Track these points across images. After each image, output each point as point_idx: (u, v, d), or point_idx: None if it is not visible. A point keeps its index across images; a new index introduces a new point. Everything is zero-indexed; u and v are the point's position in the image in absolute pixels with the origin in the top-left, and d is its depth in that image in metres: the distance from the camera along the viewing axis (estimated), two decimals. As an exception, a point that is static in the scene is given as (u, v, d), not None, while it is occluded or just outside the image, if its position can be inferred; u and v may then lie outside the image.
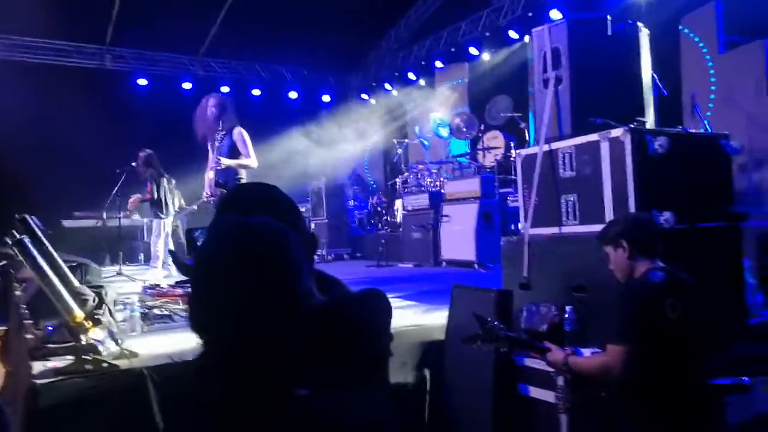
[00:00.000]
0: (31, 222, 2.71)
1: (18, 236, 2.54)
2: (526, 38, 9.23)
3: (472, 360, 3.13)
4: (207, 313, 1.04)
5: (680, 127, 3.87)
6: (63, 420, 2.27)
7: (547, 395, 2.92)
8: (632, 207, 3.14)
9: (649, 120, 3.78)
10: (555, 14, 8.51)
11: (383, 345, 1.37)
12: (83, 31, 10.62)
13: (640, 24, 3.85)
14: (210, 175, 5.16)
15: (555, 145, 3.65)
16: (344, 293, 1.50)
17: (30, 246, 2.48)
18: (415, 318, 3.67)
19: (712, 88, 7.36)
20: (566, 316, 3.20)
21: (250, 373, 1.03)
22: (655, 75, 3.94)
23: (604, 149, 3.35)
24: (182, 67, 12.18)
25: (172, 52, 11.90)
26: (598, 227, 2.88)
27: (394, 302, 4.15)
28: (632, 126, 3.28)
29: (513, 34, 9.76)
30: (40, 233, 2.69)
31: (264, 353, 1.03)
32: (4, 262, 4.89)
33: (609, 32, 3.71)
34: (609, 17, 3.73)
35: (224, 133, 5.07)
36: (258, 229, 1.09)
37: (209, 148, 5.25)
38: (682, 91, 7.42)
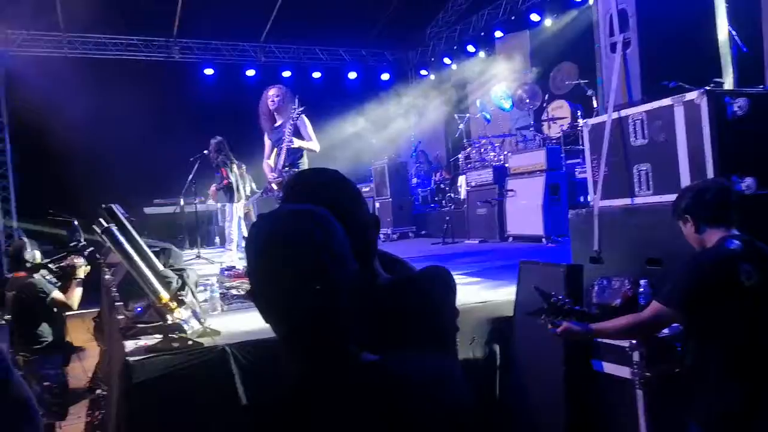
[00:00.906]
0: (116, 210, 2.90)
1: (105, 225, 2.73)
2: (591, 0, 8.81)
3: (543, 335, 3.10)
4: (258, 298, 1.09)
5: (762, 86, 3.60)
6: (155, 394, 2.45)
7: (623, 371, 2.85)
8: (710, 174, 2.99)
9: (728, 81, 3.55)
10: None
11: (449, 320, 1.39)
12: (151, 25, 11.07)
13: (715, -21, 3.61)
14: (271, 162, 5.34)
15: (624, 112, 3.51)
16: (408, 271, 1.53)
17: (117, 233, 2.66)
18: (482, 294, 3.67)
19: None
20: (641, 290, 3.11)
21: (313, 347, 1.07)
22: (732, 31, 3.68)
23: (679, 114, 3.19)
24: (245, 54, 12.49)
25: (235, 41, 12.22)
26: (673, 197, 2.75)
27: (461, 279, 4.18)
28: (708, 88, 3.10)
29: (577, -3, 9.35)
30: (125, 221, 2.87)
31: (317, 335, 1.06)
32: (92, 248, 5.26)
33: (681, -9, 3.51)
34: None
35: (287, 121, 5.20)
36: (293, 217, 1.11)
37: (267, 139, 5.42)
38: (764, 47, 6.87)
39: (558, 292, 2.74)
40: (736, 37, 3.78)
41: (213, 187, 7.37)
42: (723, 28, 3.64)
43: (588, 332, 2.52)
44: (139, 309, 2.97)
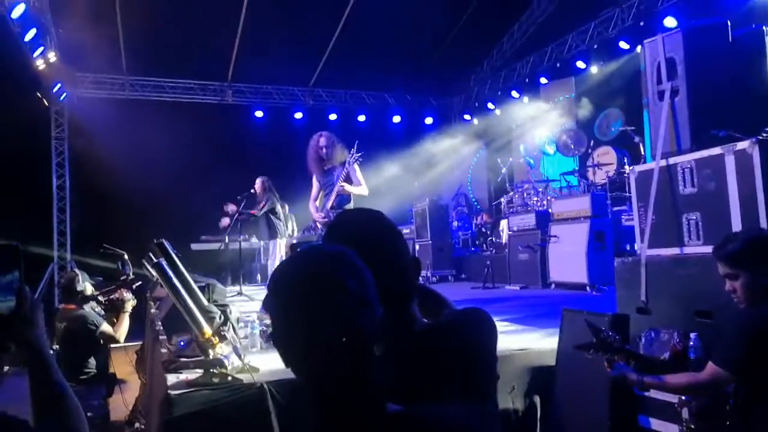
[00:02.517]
0: (167, 246, 3.00)
1: (156, 259, 2.83)
2: (638, 48, 8.79)
3: (587, 387, 3.00)
4: (279, 341, 1.06)
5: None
6: (193, 427, 2.48)
7: (671, 428, 2.73)
8: (764, 225, 2.88)
9: (782, 129, 3.46)
10: (669, 22, 8.06)
11: (488, 367, 1.36)
12: (208, 70, 11.65)
13: (766, 28, 3.56)
14: (318, 203, 5.50)
15: (673, 160, 3.45)
16: (448, 313, 1.51)
17: (167, 268, 2.75)
18: (523, 342, 3.59)
19: None
20: (690, 343, 2.98)
21: (335, 396, 1.04)
22: None
23: (729, 163, 3.11)
24: (294, 98, 12.94)
25: (285, 85, 12.69)
26: (724, 248, 2.67)
27: (501, 325, 4.10)
28: (761, 137, 3.03)
29: (624, 45, 9.34)
30: (174, 256, 2.97)
31: (339, 385, 1.03)
32: (140, 282, 5.43)
33: (729, 39, 3.47)
34: (729, 23, 3.49)
35: (337, 165, 5.38)
36: (318, 259, 1.08)
37: (316, 181, 5.61)
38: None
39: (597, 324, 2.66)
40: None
41: (226, 220, 7.52)
42: (775, 77, 3.58)
43: (642, 384, 2.43)
44: (182, 343, 3.03)
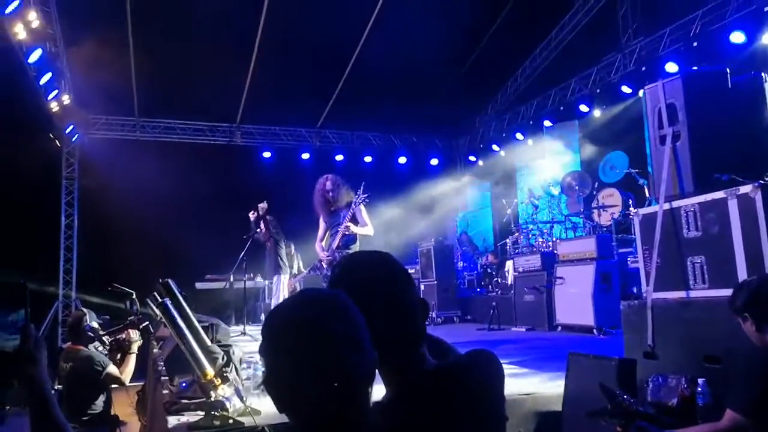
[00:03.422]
0: (172, 286, 3.02)
1: (160, 299, 2.84)
2: (641, 92, 8.92)
3: (593, 433, 2.94)
4: (271, 386, 1.07)
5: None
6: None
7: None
8: (769, 268, 2.88)
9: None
10: (671, 67, 8.19)
11: (497, 408, 1.35)
12: (217, 112, 11.89)
13: (765, 75, 3.64)
14: (324, 243, 5.56)
15: (676, 204, 3.47)
16: (456, 356, 1.51)
17: (171, 308, 2.76)
18: (529, 386, 3.54)
19: None
20: (698, 389, 2.93)
21: None
22: None
23: (733, 207, 3.13)
24: (301, 139, 13.13)
25: (292, 126, 12.91)
26: (730, 291, 2.65)
27: (508, 368, 4.04)
28: (763, 182, 3.05)
29: (626, 89, 9.48)
30: (179, 296, 2.98)
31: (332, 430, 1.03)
32: (146, 323, 5.40)
33: (729, 85, 3.54)
34: (728, 69, 3.57)
35: (344, 206, 5.48)
36: (313, 305, 1.08)
37: (322, 222, 5.70)
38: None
39: (611, 385, 2.61)
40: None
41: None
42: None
43: None
44: (184, 384, 3.01)
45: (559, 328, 7.06)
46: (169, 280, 3.04)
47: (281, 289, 7.31)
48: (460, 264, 11.15)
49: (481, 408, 1.29)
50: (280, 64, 10.09)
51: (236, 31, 9.57)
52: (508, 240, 9.83)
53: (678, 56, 8.24)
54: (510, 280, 8.91)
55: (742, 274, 3.01)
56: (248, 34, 9.49)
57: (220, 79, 10.21)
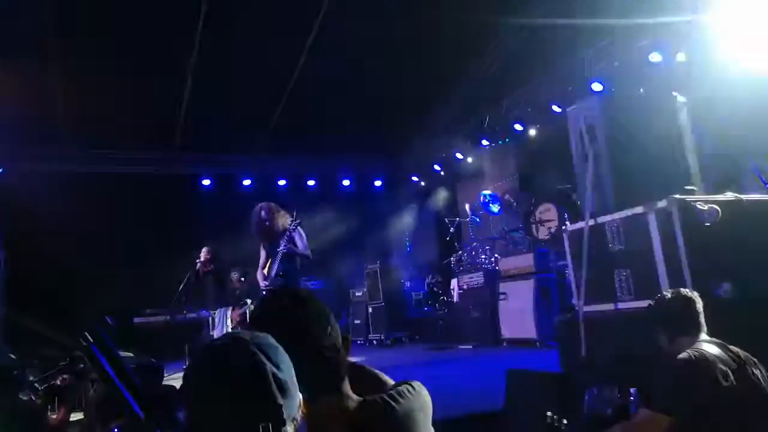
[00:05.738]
0: (100, 329, 2.89)
1: (87, 342, 2.71)
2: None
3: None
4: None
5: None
6: None
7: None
8: (688, 279, 3.04)
9: (698, 187, 3.71)
10: (597, 87, 8.56)
11: None
12: (152, 140, 11.54)
13: (675, 93, 3.88)
14: (266, 271, 5.52)
15: (601, 219, 3.63)
16: (380, 390, 1.51)
17: (98, 353, 2.63)
18: (469, 404, 3.57)
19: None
20: (631, 398, 3.04)
21: None
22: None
23: (652, 221, 3.30)
24: (241, 165, 12.93)
25: (232, 153, 12.70)
26: (653, 302, 2.79)
27: (447, 388, 4.06)
28: (678, 196, 3.24)
29: (556, 108, 9.86)
30: (107, 337, 2.85)
31: None
32: (82, 365, 5.11)
33: (644, 104, 3.76)
34: (642, 89, 3.79)
35: (280, 232, 5.48)
36: (236, 350, 1.07)
37: (263, 249, 5.73)
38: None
39: (547, 402, 2.68)
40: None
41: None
42: (688, 139, 3.87)
43: None
44: (115, 430, 2.87)
45: (505, 342, 7.19)
46: (106, 317, 2.92)
47: (225, 321, 7.12)
48: (407, 284, 11.20)
49: None
50: (216, 89, 9.95)
51: (170, 56, 9.37)
52: (452, 258, 9.96)
53: (604, 76, 8.55)
54: (456, 297, 9.02)
55: (665, 285, 3.16)
56: (181, 60, 9.32)
57: (154, 105, 9.96)
